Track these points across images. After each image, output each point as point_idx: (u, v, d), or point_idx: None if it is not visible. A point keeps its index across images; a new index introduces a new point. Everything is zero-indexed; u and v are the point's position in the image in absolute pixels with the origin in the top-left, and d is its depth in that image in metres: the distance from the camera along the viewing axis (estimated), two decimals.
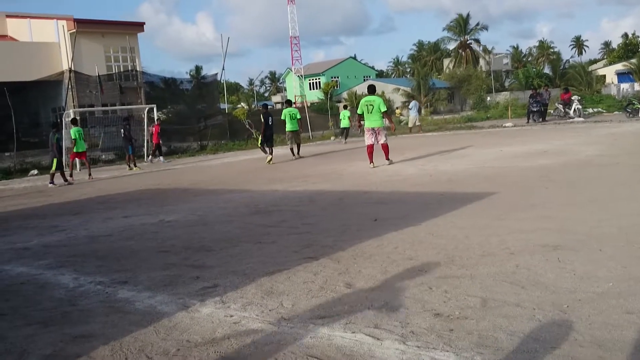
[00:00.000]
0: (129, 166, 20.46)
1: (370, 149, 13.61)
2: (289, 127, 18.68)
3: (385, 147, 13.71)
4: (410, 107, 29.07)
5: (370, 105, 13.46)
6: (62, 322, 4.19)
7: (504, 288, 4.08)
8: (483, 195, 8.26)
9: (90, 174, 17.72)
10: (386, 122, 13.77)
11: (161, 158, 23.38)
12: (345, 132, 26.55)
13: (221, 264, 5.50)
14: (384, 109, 13.53)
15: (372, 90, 14.19)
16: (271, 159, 17.61)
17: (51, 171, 16.57)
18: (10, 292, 5.19)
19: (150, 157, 23.51)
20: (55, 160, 16.44)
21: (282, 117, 18.79)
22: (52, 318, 4.30)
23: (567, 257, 4.73)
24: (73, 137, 17.61)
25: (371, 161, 13.54)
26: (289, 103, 20.64)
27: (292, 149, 18.97)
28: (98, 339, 3.75)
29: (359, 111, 14.01)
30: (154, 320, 4.04)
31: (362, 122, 14.12)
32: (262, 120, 18.11)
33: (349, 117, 26.61)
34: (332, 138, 29.78)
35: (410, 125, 28.95)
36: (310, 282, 4.63)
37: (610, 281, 4.05)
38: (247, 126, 28.08)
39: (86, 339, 3.78)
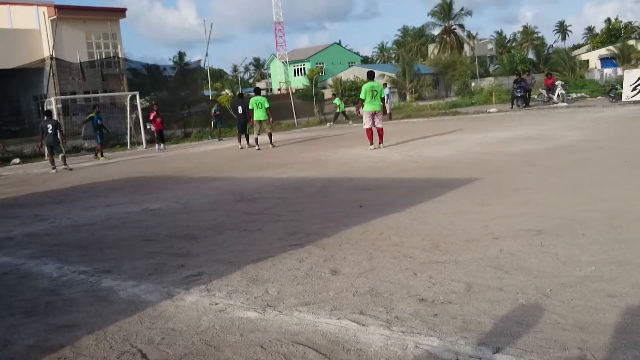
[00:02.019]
0: (96, 155, 20.01)
1: (370, 131, 14.36)
2: (256, 116, 18.00)
3: (382, 131, 14.50)
4: (387, 93, 29.29)
5: (375, 90, 14.18)
6: (45, 312, 4.16)
7: (488, 273, 4.11)
8: (467, 181, 8.29)
9: None
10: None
11: (160, 146, 22.59)
12: (337, 116, 30.09)
13: (206, 252, 5.48)
14: (383, 95, 14.72)
15: (372, 76, 14.87)
16: (244, 147, 18.45)
17: (62, 154, 16.91)
18: None
19: (158, 145, 22.68)
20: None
21: (250, 107, 18.20)
22: (35, 308, 4.26)
23: (550, 241, 4.77)
24: None
25: (371, 142, 14.27)
26: (257, 92, 20.00)
27: (256, 139, 18.15)
28: (82, 329, 3.73)
29: (362, 96, 14.33)
30: (138, 309, 4.02)
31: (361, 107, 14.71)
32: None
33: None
34: (328, 125, 29.62)
35: (387, 112, 29.12)
36: (296, 269, 4.63)
37: (592, 265, 4.09)
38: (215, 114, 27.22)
39: (70, 329, 3.75)
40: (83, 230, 7.19)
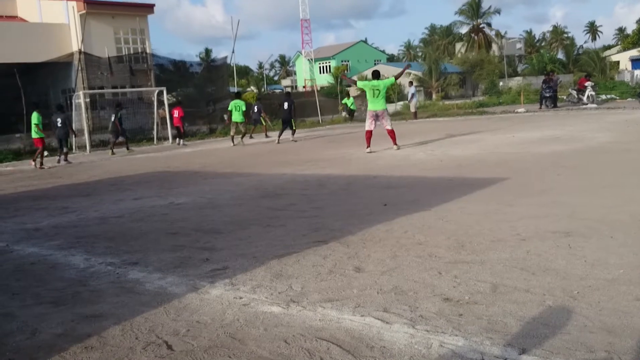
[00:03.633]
0: (112, 151, 20.15)
1: (369, 134, 13.66)
2: (234, 117, 20.27)
3: (392, 133, 13.71)
4: (412, 92, 29.31)
5: (377, 90, 13.47)
6: (73, 302, 4.22)
7: (514, 274, 4.07)
8: (494, 180, 8.22)
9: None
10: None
11: (181, 141, 23.09)
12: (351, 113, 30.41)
13: (230, 246, 5.52)
14: (390, 82, 14.16)
15: (376, 75, 14.27)
16: (293, 140, 19.59)
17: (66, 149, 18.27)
18: (21, 271, 5.23)
19: (179, 140, 23.09)
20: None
21: (229, 108, 20.58)
22: (63, 298, 4.33)
23: (578, 243, 4.71)
24: (37, 122, 17.16)
25: (368, 145, 13.65)
26: (237, 95, 22.10)
27: (232, 137, 20.41)
28: (109, 319, 3.78)
29: (359, 85, 14.29)
30: (164, 301, 4.06)
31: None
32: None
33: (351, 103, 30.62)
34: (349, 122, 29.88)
35: (413, 110, 29.06)
36: (320, 266, 4.64)
37: (621, 268, 4.02)
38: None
39: (97, 319, 3.81)
40: (110, 223, 7.28)
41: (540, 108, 27.22)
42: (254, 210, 7.46)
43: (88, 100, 25.12)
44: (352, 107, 30.56)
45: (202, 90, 32.02)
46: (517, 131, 16.12)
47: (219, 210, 7.60)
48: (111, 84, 29.32)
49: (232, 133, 20.58)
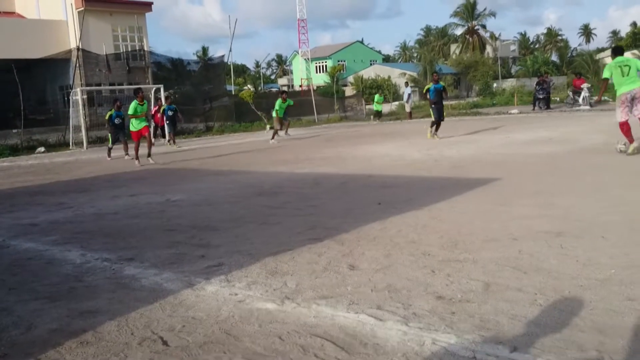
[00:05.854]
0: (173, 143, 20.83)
1: (625, 126, 10.24)
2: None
3: None
4: (408, 93, 29.40)
5: (626, 66, 10.12)
6: (68, 297, 4.24)
7: (507, 273, 4.11)
8: (487, 181, 8.26)
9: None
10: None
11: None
12: (378, 115, 29.66)
13: (226, 243, 5.54)
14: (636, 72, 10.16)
15: (620, 51, 10.82)
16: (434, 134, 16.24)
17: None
18: (18, 266, 5.24)
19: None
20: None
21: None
22: (58, 293, 4.35)
23: (570, 243, 4.75)
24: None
25: (628, 137, 10.18)
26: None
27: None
28: (104, 315, 3.80)
29: (606, 74, 10.58)
30: (159, 297, 4.08)
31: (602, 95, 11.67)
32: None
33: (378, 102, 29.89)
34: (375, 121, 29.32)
35: (408, 110, 29.16)
36: (314, 263, 4.67)
37: (612, 268, 4.06)
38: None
39: (92, 314, 3.83)
40: (106, 219, 7.30)
41: (534, 109, 27.31)
42: (250, 207, 7.48)
43: (85, 97, 25.10)
44: (378, 108, 29.66)
45: (199, 89, 32.04)
46: (511, 132, 16.18)
47: (215, 208, 7.62)
48: (109, 81, 29.27)
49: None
